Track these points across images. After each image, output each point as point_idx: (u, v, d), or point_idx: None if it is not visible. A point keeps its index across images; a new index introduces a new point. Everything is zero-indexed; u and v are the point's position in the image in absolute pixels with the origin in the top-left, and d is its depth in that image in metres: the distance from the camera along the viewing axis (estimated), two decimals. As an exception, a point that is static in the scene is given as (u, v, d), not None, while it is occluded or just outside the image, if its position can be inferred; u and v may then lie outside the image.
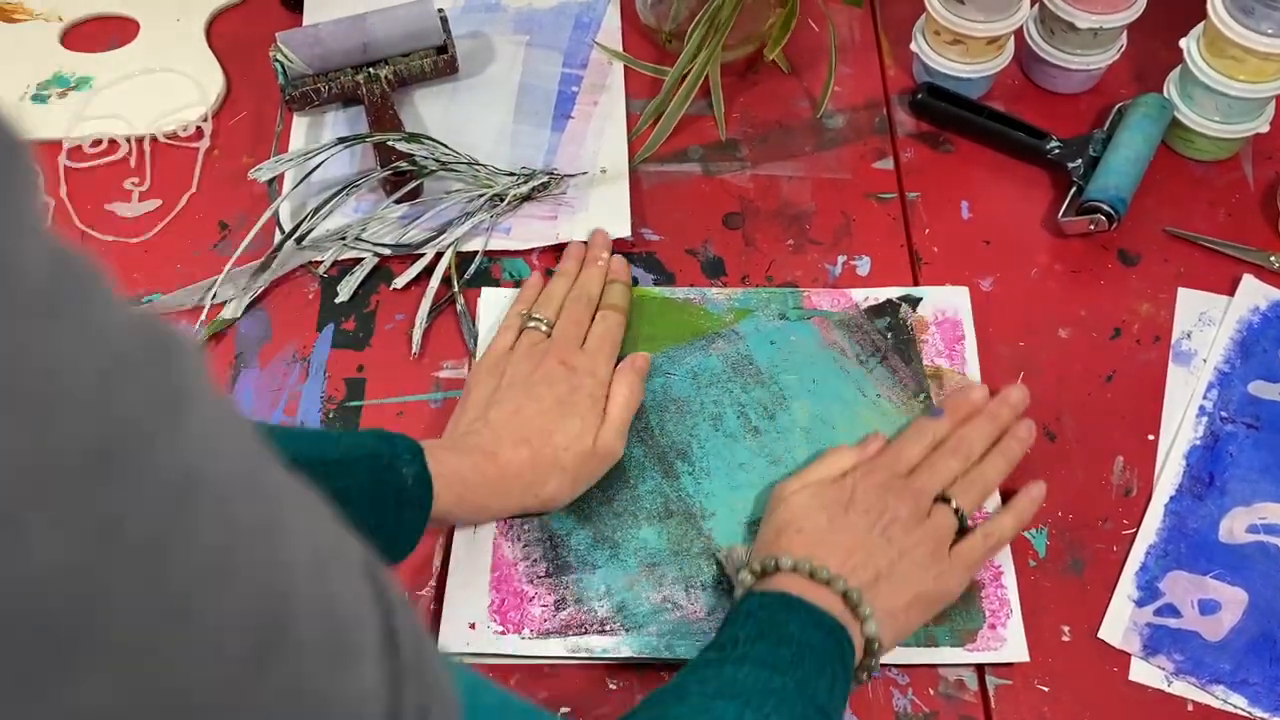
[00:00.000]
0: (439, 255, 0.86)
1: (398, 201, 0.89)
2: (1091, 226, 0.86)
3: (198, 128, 0.95)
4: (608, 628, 0.72)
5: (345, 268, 0.87)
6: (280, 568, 0.30)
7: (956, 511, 0.70)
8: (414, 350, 0.83)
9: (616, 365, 0.79)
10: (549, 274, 0.85)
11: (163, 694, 0.27)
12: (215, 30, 1.01)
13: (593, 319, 0.81)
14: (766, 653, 0.60)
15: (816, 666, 0.60)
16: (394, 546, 0.67)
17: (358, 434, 0.73)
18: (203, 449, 0.28)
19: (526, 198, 0.89)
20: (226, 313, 0.85)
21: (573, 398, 0.75)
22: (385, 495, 0.66)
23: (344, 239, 0.87)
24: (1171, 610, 0.72)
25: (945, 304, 0.84)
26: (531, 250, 0.88)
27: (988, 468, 0.73)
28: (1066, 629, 0.72)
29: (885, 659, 0.69)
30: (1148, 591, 0.73)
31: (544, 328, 0.79)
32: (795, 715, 0.57)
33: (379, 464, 0.66)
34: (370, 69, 0.93)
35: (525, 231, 0.88)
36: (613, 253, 0.85)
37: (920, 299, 0.84)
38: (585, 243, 0.86)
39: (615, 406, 0.76)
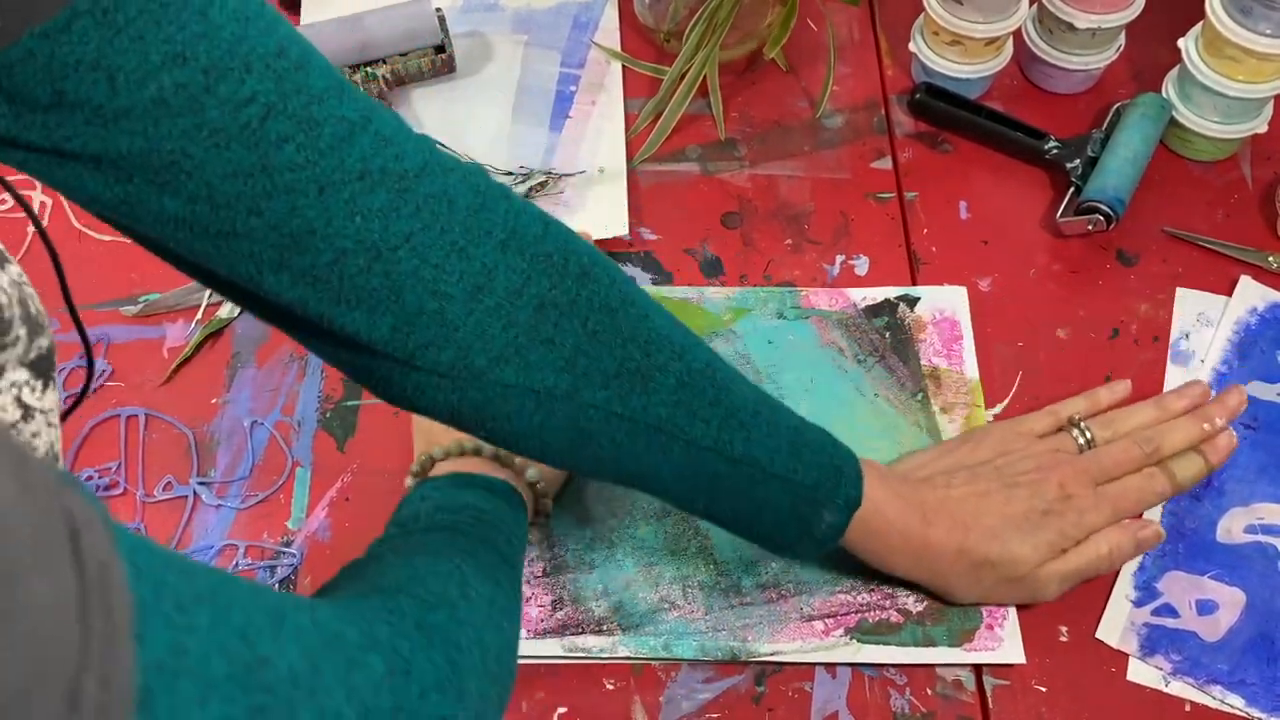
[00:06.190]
0: (436, 254, 0.86)
1: (395, 201, 0.88)
2: (1090, 227, 0.86)
3: (195, 127, 0.95)
4: (604, 627, 0.72)
5: (343, 267, 0.87)
6: None
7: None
8: (411, 349, 0.83)
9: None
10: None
11: None
12: (213, 29, 1.01)
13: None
14: (447, 520, 0.63)
15: (495, 520, 0.64)
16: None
17: (813, 443, 0.64)
18: None
19: (524, 197, 0.89)
20: (223, 312, 0.85)
21: (1043, 521, 0.69)
22: (789, 524, 0.64)
23: (341, 238, 0.87)
24: (1169, 610, 0.72)
25: (943, 304, 0.84)
26: (529, 250, 0.88)
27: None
28: (1064, 629, 0.71)
29: (883, 659, 0.70)
30: (1145, 592, 0.73)
31: (1082, 441, 0.73)
32: (483, 563, 0.59)
33: (803, 496, 0.63)
34: (368, 68, 0.93)
35: (523, 231, 0.88)
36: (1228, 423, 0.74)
37: (918, 299, 0.84)
38: (1204, 388, 0.76)
39: (1080, 555, 0.69)
